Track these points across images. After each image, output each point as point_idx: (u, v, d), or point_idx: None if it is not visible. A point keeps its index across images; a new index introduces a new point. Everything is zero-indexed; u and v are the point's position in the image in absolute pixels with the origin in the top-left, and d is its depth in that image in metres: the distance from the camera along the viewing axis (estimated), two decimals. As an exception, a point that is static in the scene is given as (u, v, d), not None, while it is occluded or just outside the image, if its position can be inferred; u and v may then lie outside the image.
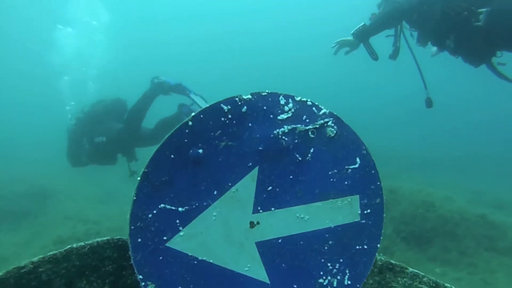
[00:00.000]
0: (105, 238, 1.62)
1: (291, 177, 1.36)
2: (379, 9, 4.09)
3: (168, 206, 1.24)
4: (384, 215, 1.52)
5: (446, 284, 1.81)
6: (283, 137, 1.34)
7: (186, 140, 1.24)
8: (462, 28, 3.22)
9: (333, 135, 1.40)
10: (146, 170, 1.21)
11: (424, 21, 3.59)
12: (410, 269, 1.88)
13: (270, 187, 1.34)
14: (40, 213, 8.80)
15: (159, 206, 1.24)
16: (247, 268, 1.34)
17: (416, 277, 1.86)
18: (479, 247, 5.72)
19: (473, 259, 5.49)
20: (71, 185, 10.66)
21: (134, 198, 1.21)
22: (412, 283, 1.84)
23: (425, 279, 1.84)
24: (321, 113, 1.39)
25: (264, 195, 1.34)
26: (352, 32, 3.90)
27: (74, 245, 1.53)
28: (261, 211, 1.34)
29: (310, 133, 1.37)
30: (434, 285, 1.82)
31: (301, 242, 1.40)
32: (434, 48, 4.26)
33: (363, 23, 3.84)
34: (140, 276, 1.23)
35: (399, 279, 1.86)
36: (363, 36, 3.85)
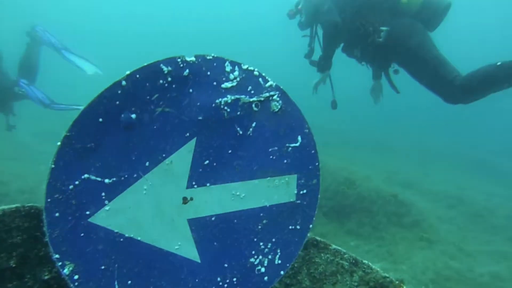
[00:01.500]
0: (13, 206, 1.42)
1: (230, 151, 1.28)
2: (296, 7, 4.37)
3: (93, 177, 1.10)
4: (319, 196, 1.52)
5: (364, 261, 1.91)
6: (225, 108, 1.24)
7: (117, 103, 1.09)
8: (367, 41, 3.61)
9: (277, 110, 1.33)
10: (68, 134, 1.05)
11: (342, 32, 3.87)
12: (333, 246, 1.94)
13: (207, 161, 1.25)
14: None
15: (82, 177, 1.08)
16: (177, 247, 1.25)
17: (338, 254, 1.92)
18: (389, 222, 6.24)
19: (382, 233, 5.99)
20: (-29, 138, 9.53)
21: (53, 166, 1.04)
22: (334, 259, 1.91)
23: (346, 255, 1.91)
24: (267, 85, 1.31)
25: (200, 169, 1.25)
26: (316, 71, 4.14)
27: (-30, 214, 1.33)
28: (195, 186, 1.25)
29: (254, 105, 1.29)
30: (353, 261, 1.90)
31: (235, 221, 1.34)
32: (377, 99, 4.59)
33: (318, 58, 4.04)
34: (57, 256, 1.08)
35: (322, 254, 1.91)
36: (325, 67, 4.05)
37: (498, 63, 2.94)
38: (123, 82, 1.08)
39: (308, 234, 1.62)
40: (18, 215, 1.38)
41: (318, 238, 1.96)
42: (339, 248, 1.95)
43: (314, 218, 1.56)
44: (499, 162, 13.67)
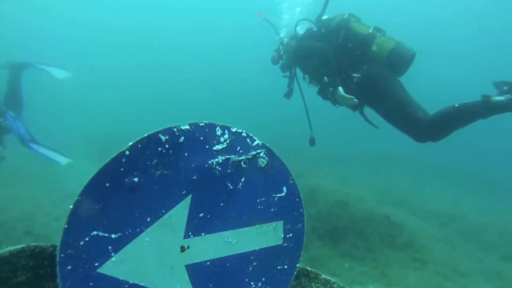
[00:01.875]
0: (19, 246, 1.51)
1: (222, 204, 1.44)
2: (278, 53, 4.63)
3: (101, 233, 1.25)
4: (304, 238, 1.68)
5: (352, 289, 2.05)
6: (217, 167, 1.41)
7: (122, 169, 1.25)
8: (341, 86, 3.82)
9: (264, 165, 1.50)
10: (79, 199, 1.21)
11: (317, 74, 4.11)
12: (323, 276, 2.08)
13: (202, 214, 1.41)
14: None
15: (92, 234, 1.24)
16: (176, 290, 1.40)
17: (327, 283, 2.06)
18: (382, 244, 6.36)
19: (376, 255, 6.10)
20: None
21: (66, 226, 1.20)
22: (324, 289, 2.05)
23: (335, 285, 2.05)
24: (254, 144, 1.48)
25: (196, 221, 1.40)
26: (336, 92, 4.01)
27: (-24, 257, 1.43)
28: (192, 236, 1.40)
29: (242, 163, 1.45)
30: (342, 290, 2.05)
31: (228, 264, 1.49)
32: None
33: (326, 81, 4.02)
34: (68, 304, 1.23)
35: (313, 284, 2.05)
36: (332, 84, 4.00)
37: (456, 105, 3.19)
38: (127, 152, 1.25)
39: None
40: (23, 255, 1.47)
41: (309, 268, 2.10)
42: (329, 278, 2.09)
43: (300, 258, 1.71)
44: (491, 175, 13.87)
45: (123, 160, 1.25)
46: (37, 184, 9.17)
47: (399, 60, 3.64)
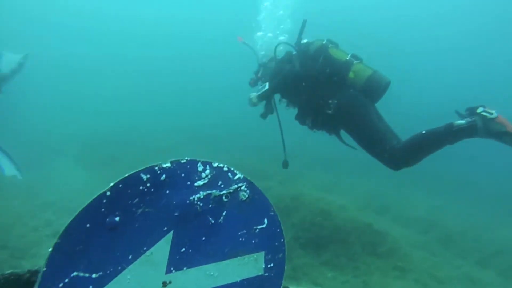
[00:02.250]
0: None
1: (203, 238, 1.45)
2: (256, 75, 4.80)
3: (82, 274, 1.24)
4: (286, 267, 1.70)
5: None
6: (199, 203, 1.42)
7: (103, 209, 1.25)
8: (318, 112, 3.97)
9: (245, 199, 1.52)
10: (59, 241, 1.20)
11: (296, 100, 4.25)
12: (305, 294, 2.11)
13: (184, 249, 1.42)
14: None
15: (72, 275, 1.23)
16: (158, 325, 1.40)
17: (309, 302, 2.10)
18: (364, 252, 6.44)
19: (358, 263, 6.17)
20: None
21: (44, 269, 1.19)
22: (305, 307, 2.08)
23: (316, 303, 2.09)
24: (235, 178, 1.50)
25: (177, 256, 1.41)
26: (257, 94, 4.27)
27: None
28: (173, 271, 1.41)
29: (224, 197, 1.47)
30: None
31: (210, 297, 1.51)
32: None
33: (266, 88, 4.22)
34: None
35: (294, 302, 2.08)
36: (265, 97, 4.30)
37: (423, 132, 3.28)
38: (108, 193, 1.25)
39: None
40: (-5, 285, 1.47)
41: (291, 287, 2.13)
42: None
43: (281, 286, 1.73)
44: (473, 182, 14.20)
45: (104, 201, 1.25)
46: (14, 192, 8.93)
47: (375, 88, 3.73)
